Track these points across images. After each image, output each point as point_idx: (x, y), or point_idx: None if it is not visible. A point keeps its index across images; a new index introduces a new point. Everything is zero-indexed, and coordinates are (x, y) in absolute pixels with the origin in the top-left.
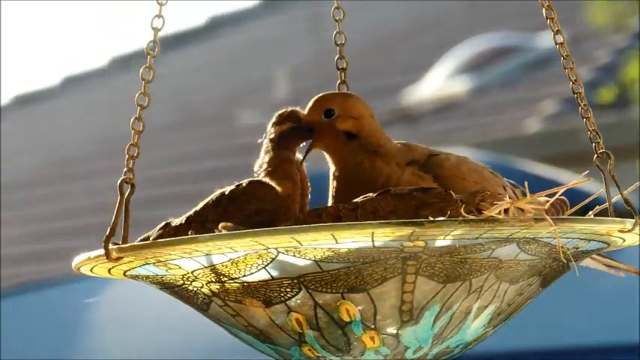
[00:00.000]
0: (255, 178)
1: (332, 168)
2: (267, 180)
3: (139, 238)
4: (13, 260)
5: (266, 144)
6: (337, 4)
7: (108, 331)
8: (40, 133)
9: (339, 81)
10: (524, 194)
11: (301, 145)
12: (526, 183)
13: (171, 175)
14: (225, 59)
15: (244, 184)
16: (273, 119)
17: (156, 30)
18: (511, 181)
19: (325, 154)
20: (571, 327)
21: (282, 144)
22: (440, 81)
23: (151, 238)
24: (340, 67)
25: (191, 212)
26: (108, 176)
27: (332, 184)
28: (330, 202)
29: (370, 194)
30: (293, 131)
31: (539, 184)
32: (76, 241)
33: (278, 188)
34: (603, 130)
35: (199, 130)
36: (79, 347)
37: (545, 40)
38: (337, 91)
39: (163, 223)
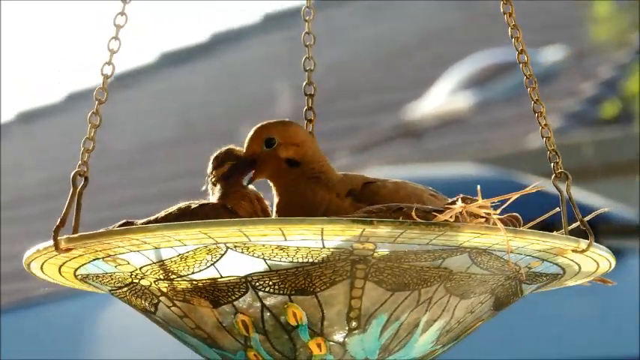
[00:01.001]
0: (220, 202)
1: (274, 194)
2: (229, 205)
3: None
4: (16, 276)
5: (210, 188)
6: (308, 29)
7: (109, 346)
8: (43, 149)
9: (305, 107)
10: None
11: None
12: (478, 187)
13: (172, 191)
14: (227, 75)
15: (210, 205)
16: (211, 162)
17: (105, 77)
18: (391, 205)
19: (269, 181)
20: (572, 339)
21: (226, 183)
22: (443, 96)
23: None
24: (308, 92)
25: (151, 218)
26: (110, 192)
27: (275, 210)
28: None
29: (379, 207)
30: (234, 169)
31: (541, 199)
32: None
33: (240, 210)
34: (605, 145)
35: (201, 145)
36: None
37: (548, 55)
38: (276, 120)
39: (124, 221)
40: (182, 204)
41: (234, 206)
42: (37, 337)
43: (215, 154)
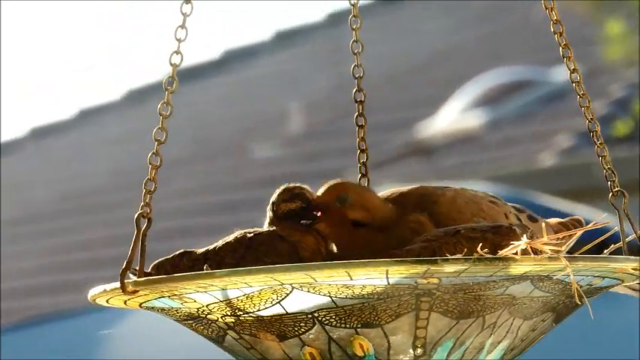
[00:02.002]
0: (277, 231)
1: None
2: (287, 236)
3: (154, 263)
4: (29, 292)
5: (270, 217)
6: (356, 36)
7: None
8: (56, 166)
9: (356, 113)
10: (531, 219)
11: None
12: (544, 225)
13: (185, 208)
14: (239, 92)
15: (265, 234)
16: (281, 194)
17: (174, 66)
18: (516, 205)
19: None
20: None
21: (287, 221)
22: (455, 115)
23: (168, 264)
24: (358, 99)
25: (210, 248)
26: (124, 209)
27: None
28: None
29: (436, 234)
30: (301, 212)
31: (552, 217)
32: (93, 273)
33: (302, 245)
34: (617, 164)
35: (213, 163)
36: None
37: (560, 73)
38: (356, 182)
39: (182, 251)
40: (238, 233)
41: (296, 241)
42: (49, 354)
43: (288, 187)
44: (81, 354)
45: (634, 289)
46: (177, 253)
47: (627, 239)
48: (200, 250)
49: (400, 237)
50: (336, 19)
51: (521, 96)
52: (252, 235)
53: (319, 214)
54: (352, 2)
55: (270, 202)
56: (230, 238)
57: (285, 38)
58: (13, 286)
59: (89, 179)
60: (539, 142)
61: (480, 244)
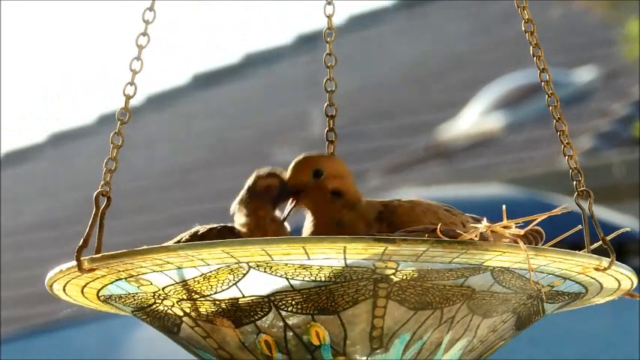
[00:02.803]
0: (228, 225)
1: (308, 220)
2: (239, 229)
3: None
4: (48, 298)
5: (243, 200)
6: (329, 50)
7: None
8: (75, 171)
9: (327, 128)
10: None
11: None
12: (503, 207)
13: (205, 212)
14: (259, 96)
15: (217, 229)
16: (256, 176)
17: (127, 97)
18: (474, 216)
19: (307, 210)
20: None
21: (266, 198)
22: (475, 117)
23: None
24: (330, 114)
25: (164, 245)
26: (144, 214)
27: (308, 231)
28: None
29: (417, 228)
30: (281, 189)
31: (571, 219)
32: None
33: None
34: (636, 165)
35: (234, 167)
36: None
37: (580, 75)
38: (316, 152)
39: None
40: (192, 230)
41: (247, 234)
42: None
43: (260, 171)
44: None
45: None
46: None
47: (593, 246)
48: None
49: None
50: (357, 22)
51: (542, 98)
52: (204, 230)
53: (294, 196)
54: (327, 14)
55: (247, 184)
56: (185, 234)
57: (306, 42)
58: (37, 291)
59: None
60: (559, 144)
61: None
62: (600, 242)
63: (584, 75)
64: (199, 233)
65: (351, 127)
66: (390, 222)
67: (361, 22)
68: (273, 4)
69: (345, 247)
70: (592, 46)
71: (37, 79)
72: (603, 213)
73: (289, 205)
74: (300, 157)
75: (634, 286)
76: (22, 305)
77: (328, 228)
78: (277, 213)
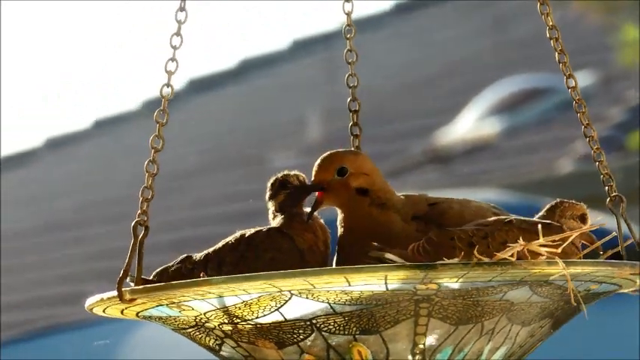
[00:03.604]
0: (275, 227)
1: (340, 218)
2: (287, 230)
3: (156, 270)
4: (49, 302)
5: (272, 212)
6: (350, 46)
7: None
8: (72, 176)
9: (351, 123)
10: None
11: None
12: (539, 227)
13: (202, 218)
14: (256, 101)
15: (264, 231)
16: (270, 188)
17: (169, 73)
18: (521, 217)
19: (336, 207)
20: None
21: (288, 206)
22: (471, 122)
23: (170, 271)
24: (353, 109)
25: (210, 250)
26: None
27: (340, 233)
28: (337, 253)
29: (489, 221)
30: (295, 192)
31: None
32: (113, 284)
33: (299, 239)
34: (633, 170)
35: (231, 172)
36: None
37: (577, 80)
38: (346, 149)
39: (184, 256)
40: (238, 232)
41: (295, 235)
42: None
43: (271, 182)
44: None
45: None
46: (179, 258)
47: (625, 244)
48: (200, 254)
49: (409, 238)
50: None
51: (539, 103)
52: (251, 233)
53: (320, 193)
54: (346, 11)
55: (273, 184)
56: (230, 238)
57: (303, 46)
58: (34, 296)
59: (106, 189)
60: (556, 149)
61: (520, 237)
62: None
63: (581, 80)
64: (246, 236)
65: (348, 132)
66: (439, 224)
67: (357, 28)
68: (270, 8)
69: (386, 275)
70: (589, 51)
71: (34, 82)
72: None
73: (315, 202)
74: (326, 154)
75: None
76: (21, 309)
77: (358, 229)
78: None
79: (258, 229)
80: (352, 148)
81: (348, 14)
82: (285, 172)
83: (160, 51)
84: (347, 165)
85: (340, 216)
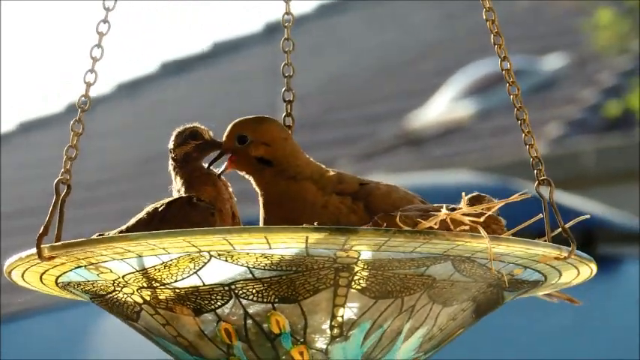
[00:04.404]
0: (184, 196)
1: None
2: (192, 194)
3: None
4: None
5: (173, 166)
6: (287, 35)
7: (106, 358)
8: (44, 160)
9: (284, 114)
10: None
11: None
12: (463, 194)
13: None
14: (227, 85)
15: (175, 204)
16: (174, 138)
17: (88, 84)
18: (444, 205)
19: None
20: (569, 349)
21: (189, 163)
22: (444, 105)
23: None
24: (287, 99)
25: (124, 227)
26: (113, 203)
27: (260, 199)
28: (261, 222)
29: (432, 206)
30: (204, 144)
31: (534, 208)
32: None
33: (203, 197)
34: (607, 152)
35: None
36: None
37: (549, 63)
38: (251, 117)
39: (97, 234)
40: (149, 207)
41: (198, 192)
42: (33, 349)
43: (179, 130)
44: (65, 348)
45: (550, 295)
46: (93, 236)
47: (553, 234)
48: (114, 231)
49: (334, 211)
50: (326, 11)
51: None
52: (163, 207)
53: (229, 158)
54: None
55: (168, 148)
56: (142, 214)
57: (275, 31)
58: (5, 282)
59: (79, 173)
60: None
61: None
62: (560, 230)
63: (553, 62)
64: (159, 210)
65: (321, 115)
66: (366, 202)
67: (330, 11)
68: None
69: (307, 237)
70: (561, 33)
71: (4, 66)
72: (572, 200)
73: (223, 165)
74: (235, 120)
75: (593, 275)
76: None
77: (269, 198)
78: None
79: (169, 200)
80: (261, 116)
81: (287, 0)
82: (196, 124)
83: (129, 36)
84: (247, 133)
85: (253, 185)
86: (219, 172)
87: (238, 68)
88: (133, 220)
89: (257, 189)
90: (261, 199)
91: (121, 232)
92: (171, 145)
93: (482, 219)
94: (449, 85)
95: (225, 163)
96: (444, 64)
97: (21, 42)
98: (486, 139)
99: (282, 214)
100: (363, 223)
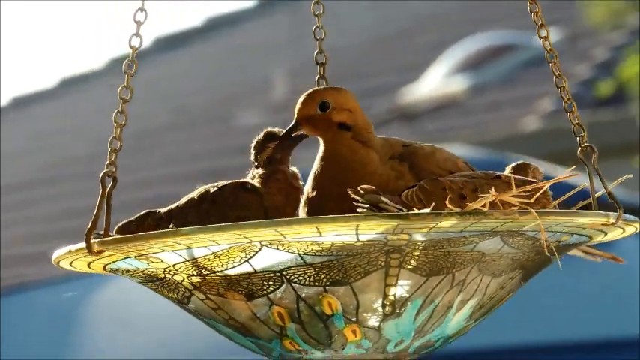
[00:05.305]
0: (240, 182)
1: (320, 151)
2: (257, 184)
3: (119, 224)
4: (15, 261)
5: (253, 174)
6: None
7: (103, 330)
8: (38, 135)
9: (317, 75)
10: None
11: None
12: (512, 178)
13: (169, 176)
14: (222, 60)
15: (228, 188)
16: (253, 150)
17: (134, 49)
18: (489, 172)
19: (319, 139)
20: (569, 320)
21: (272, 164)
22: (438, 80)
23: (132, 226)
24: (320, 61)
25: (173, 206)
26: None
27: (318, 164)
28: (310, 180)
29: (477, 174)
30: (278, 149)
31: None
32: (79, 241)
33: (268, 198)
34: (601, 127)
35: (197, 130)
36: (73, 348)
37: (549, 31)
38: (329, 86)
39: (146, 211)
40: (201, 188)
41: (265, 193)
42: (31, 322)
43: (255, 140)
44: (59, 322)
45: (590, 253)
46: (142, 213)
47: (597, 195)
48: (164, 209)
49: (384, 178)
50: None
51: (505, 60)
52: (215, 189)
53: (307, 122)
54: None
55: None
56: (193, 194)
57: (269, 6)
58: (2, 255)
59: (73, 148)
60: (522, 107)
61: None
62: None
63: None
64: (210, 193)
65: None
66: (411, 163)
67: None
68: None
69: (357, 225)
70: (556, 7)
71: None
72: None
73: (293, 129)
74: (308, 91)
75: (638, 231)
76: None
77: (336, 161)
78: (293, 170)
79: (223, 184)
80: (337, 86)
81: None
82: (270, 129)
83: (127, 8)
84: (329, 100)
85: (320, 149)
86: (285, 132)
87: (232, 44)
88: (183, 200)
89: (324, 150)
90: (321, 163)
91: (170, 211)
92: (252, 158)
93: (532, 200)
94: (442, 59)
95: (301, 134)
96: (437, 38)
97: (13, 15)
98: (480, 114)
99: (348, 172)
100: (409, 187)
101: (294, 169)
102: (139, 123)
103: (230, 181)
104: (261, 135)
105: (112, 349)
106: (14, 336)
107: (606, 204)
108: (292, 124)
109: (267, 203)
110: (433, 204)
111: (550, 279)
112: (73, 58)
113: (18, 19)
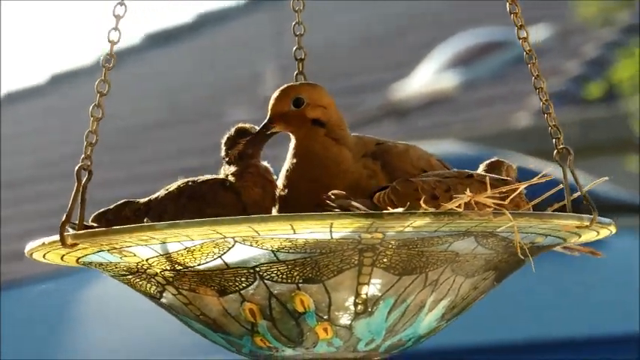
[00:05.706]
0: (219, 178)
1: (291, 148)
2: (233, 181)
3: (95, 213)
4: (8, 258)
5: (225, 170)
6: None
7: (91, 327)
8: (28, 132)
9: (296, 71)
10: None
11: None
12: (487, 177)
13: (159, 172)
14: (212, 56)
15: (207, 185)
16: (223, 145)
17: (112, 42)
18: (462, 171)
19: (291, 135)
20: (567, 317)
21: (244, 160)
22: (429, 76)
23: (109, 215)
24: (299, 57)
25: (152, 197)
26: (97, 173)
27: (290, 160)
28: (282, 177)
29: (450, 173)
30: (255, 138)
31: (527, 178)
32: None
33: (246, 193)
34: (591, 124)
35: (187, 127)
36: (62, 345)
37: (532, 34)
38: (303, 82)
39: (124, 201)
40: (181, 181)
41: (242, 188)
42: (23, 318)
43: (226, 136)
44: (55, 317)
45: (570, 249)
46: (119, 203)
47: (572, 197)
48: (142, 200)
49: (357, 176)
50: None
51: (495, 57)
52: (194, 184)
53: (280, 119)
54: None
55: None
56: (173, 186)
57: (258, 1)
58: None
59: (62, 146)
60: (513, 103)
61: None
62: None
63: (538, 33)
64: (189, 186)
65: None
66: (383, 161)
67: None
68: None
69: (331, 223)
70: (546, 4)
71: None
72: (557, 172)
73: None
74: (283, 86)
75: (613, 234)
76: None
77: (308, 159)
78: (265, 164)
79: (203, 179)
80: (311, 82)
81: None
82: (240, 124)
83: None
84: (304, 96)
85: (292, 145)
86: (259, 129)
87: (222, 40)
88: (162, 192)
89: (296, 146)
90: (293, 160)
91: (148, 202)
92: (223, 154)
93: (507, 202)
94: (433, 56)
95: (271, 125)
96: (428, 35)
97: (6, 11)
98: (470, 110)
99: (320, 170)
100: (381, 188)
101: (265, 163)
102: (128, 119)
103: (210, 177)
104: (232, 131)
105: (103, 345)
106: (5, 332)
107: (582, 204)
108: (266, 120)
109: (246, 198)
110: (408, 204)
111: (549, 276)
112: (63, 54)
113: (7, 15)
